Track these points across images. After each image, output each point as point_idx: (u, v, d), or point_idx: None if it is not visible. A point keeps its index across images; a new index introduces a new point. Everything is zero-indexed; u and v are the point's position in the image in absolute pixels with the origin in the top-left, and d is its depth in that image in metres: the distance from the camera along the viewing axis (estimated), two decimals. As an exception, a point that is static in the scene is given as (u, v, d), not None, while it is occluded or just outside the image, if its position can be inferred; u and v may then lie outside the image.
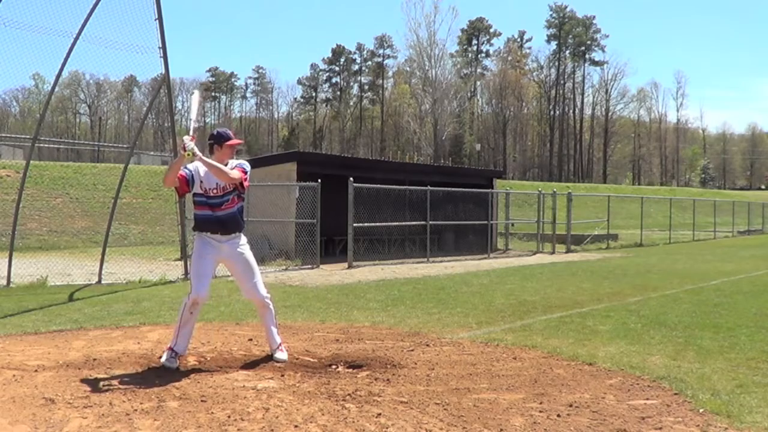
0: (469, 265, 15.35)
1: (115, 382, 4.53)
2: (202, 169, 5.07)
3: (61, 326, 6.85)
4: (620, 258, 17.89)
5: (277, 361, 5.19)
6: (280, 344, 5.36)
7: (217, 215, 5.10)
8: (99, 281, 10.91)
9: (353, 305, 8.59)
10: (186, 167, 5.06)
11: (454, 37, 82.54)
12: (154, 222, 24.28)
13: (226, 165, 5.07)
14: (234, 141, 5.24)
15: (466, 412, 3.94)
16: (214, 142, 5.17)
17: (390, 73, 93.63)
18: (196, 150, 4.86)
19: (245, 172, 5.16)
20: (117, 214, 12.94)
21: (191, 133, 5.04)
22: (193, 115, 5.53)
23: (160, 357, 5.12)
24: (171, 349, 5.07)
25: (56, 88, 14.31)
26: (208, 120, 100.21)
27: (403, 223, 17.54)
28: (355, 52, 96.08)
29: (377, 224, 16.01)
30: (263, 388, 4.45)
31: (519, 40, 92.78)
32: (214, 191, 5.10)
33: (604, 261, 16.84)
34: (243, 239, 5.29)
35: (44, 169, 25.98)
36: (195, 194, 5.14)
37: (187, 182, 5.05)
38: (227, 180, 5.02)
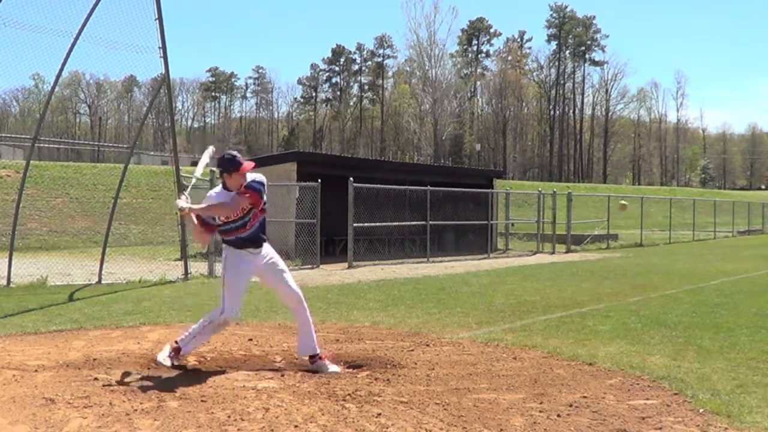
0: (469, 265, 15.35)
1: (115, 382, 4.53)
2: (214, 200, 4.99)
3: (61, 326, 6.85)
4: (620, 258, 17.89)
5: (327, 372, 4.99)
6: (318, 354, 5.13)
7: (241, 237, 5.01)
8: (99, 281, 10.91)
9: (353, 305, 8.59)
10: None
11: (454, 37, 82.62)
12: (154, 222, 24.27)
13: (240, 187, 4.91)
14: (247, 165, 4.97)
15: (466, 412, 3.94)
16: (224, 170, 4.94)
17: (390, 73, 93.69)
18: (182, 205, 4.84)
19: (257, 192, 4.93)
20: (117, 214, 12.93)
21: (187, 192, 4.99)
22: (199, 171, 5.39)
23: (160, 353, 5.04)
24: (177, 348, 4.96)
25: (56, 88, 14.32)
26: (208, 120, 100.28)
27: (403, 223, 17.54)
28: (355, 52, 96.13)
29: (377, 224, 16.02)
30: (263, 388, 4.45)
31: (519, 40, 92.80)
32: (230, 217, 4.97)
33: (604, 261, 16.84)
34: (270, 247, 5.18)
35: (44, 169, 25.98)
36: (218, 226, 5.04)
37: (205, 221, 5.04)
38: (231, 212, 4.91)
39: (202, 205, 4.98)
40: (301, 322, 5.15)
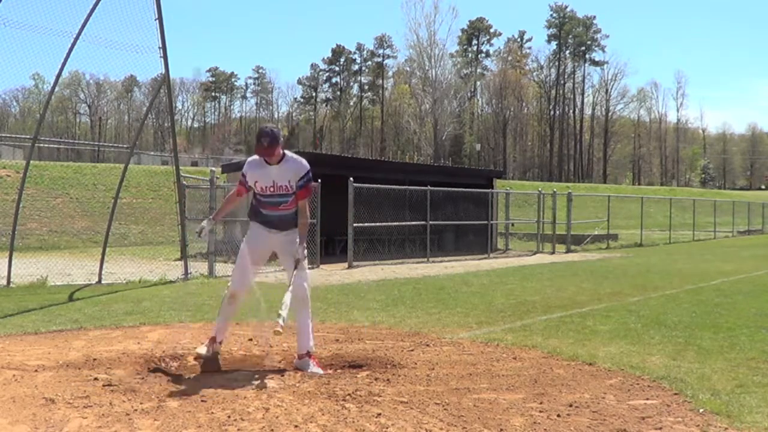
0: (469, 265, 15.35)
1: (115, 382, 4.53)
2: (257, 166, 5.00)
3: (61, 326, 6.85)
4: (620, 258, 17.89)
5: (308, 372, 4.95)
6: (310, 348, 5.15)
7: (271, 215, 5.04)
8: (99, 281, 10.91)
9: (353, 305, 8.58)
10: (242, 173, 5.05)
11: (454, 37, 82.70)
12: (154, 222, 24.28)
13: (282, 159, 4.97)
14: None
15: (466, 412, 3.94)
16: (273, 141, 4.90)
17: (390, 73, 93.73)
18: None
19: (309, 182, 5.04)
20: (117, 214, 12.94)
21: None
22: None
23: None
24: (213, 338, 5.09)
25: (56, 88, 14.32)
26: (208, 120, 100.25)
27: (403, 223, 17.53)
28: (355, 52, 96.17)
29: (377, 224, 16.01)
30: (263, 388, 4.45)
31: (519, 40, 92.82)
32: (271, 189, 4.98)
33: (604, 261, 16.84)
34: (296, 232, 5.07)
35: (44, 169, 25.98)
36: (255, 193, 5.11)
37: (245, 188, 5.12)
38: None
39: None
40: (300, 321, 5.14)
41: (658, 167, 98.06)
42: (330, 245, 17.02)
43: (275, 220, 5.06)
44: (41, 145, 14.57)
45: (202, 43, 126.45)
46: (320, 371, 4.89)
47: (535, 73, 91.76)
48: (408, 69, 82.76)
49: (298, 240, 5.03)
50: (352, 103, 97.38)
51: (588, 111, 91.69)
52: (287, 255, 5.08)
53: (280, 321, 4.68)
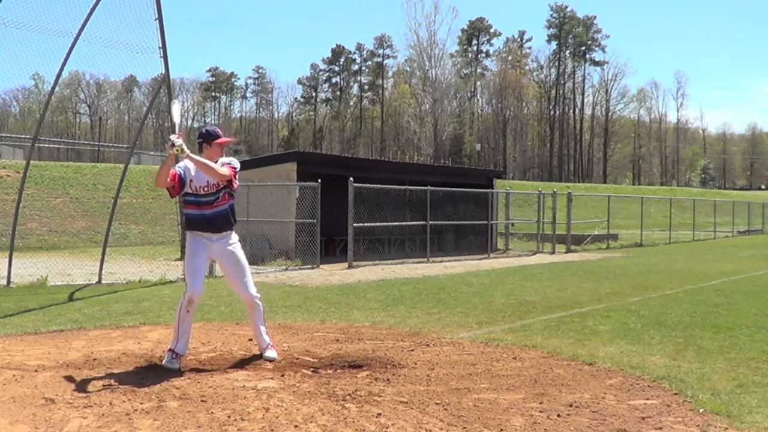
0: (469, 265, 15.34)
1: (115, 382, 4.53)
2: (192, 168, 5.06)
3: (61, 326, 6.85)
4: (620, 258, 17.89)
5: (268, 360, 5.20)
6: (269, 344, 5.36)
7: (206, 214, 5.09)
8: (99, 281, 10.91)
9: (353, 305, 8.58)
10: (177, 166, 5.05)
11: (454, 37, 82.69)
12: (154, 222, 24.29)
13: (215, 163, 5.08)
14: (223, 139, 5.24)
15: (466, 412, 3.94)
16: (204, 140, 5.17)
17: (390, 73, 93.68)
18: (184, 146, 4.84)
19: (235, 170, 5.16)
20: (117, 214, 12.93)
21: (177, 131, 5.04)
22: (177, 119, 5.51)
23: (162, 359, 5.10)
24: (171, 350, 5.03)
25: (56, 88, 14.32)
26: (208, 120, 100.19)
27: (403, 223, 17.54)
28: (354, 52, 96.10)
29: (377, 224, 16.02)
30: (263, 388, 4.45)
31: (519, 40, 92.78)
32: (205, 189, 5.08)
33: (604, 261, 16.84)
34: (234, 237, 5.27)
35: (44, 169, 26.00)
36: (185, 193, 5.13)
37: (182, 181, 5.04)
38: (217, 177, 5.02)
39: (199, 157, 5.02)
40: (252, 323, 5.40)
41: (658, 167, 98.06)
42: (330, 245, 17.02)
43: (211, 218, 5.11)
44: (41, 145, 14.56)
45: (202, 43, 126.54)
46: (275, 354, 5.29)
47: (535, 73, 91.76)
48: (408, 69, 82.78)
49: (233, 241, 5.25)
50: (352, 103, 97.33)
51: (588, 111, 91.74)
52: (229, 263, 5.25)
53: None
